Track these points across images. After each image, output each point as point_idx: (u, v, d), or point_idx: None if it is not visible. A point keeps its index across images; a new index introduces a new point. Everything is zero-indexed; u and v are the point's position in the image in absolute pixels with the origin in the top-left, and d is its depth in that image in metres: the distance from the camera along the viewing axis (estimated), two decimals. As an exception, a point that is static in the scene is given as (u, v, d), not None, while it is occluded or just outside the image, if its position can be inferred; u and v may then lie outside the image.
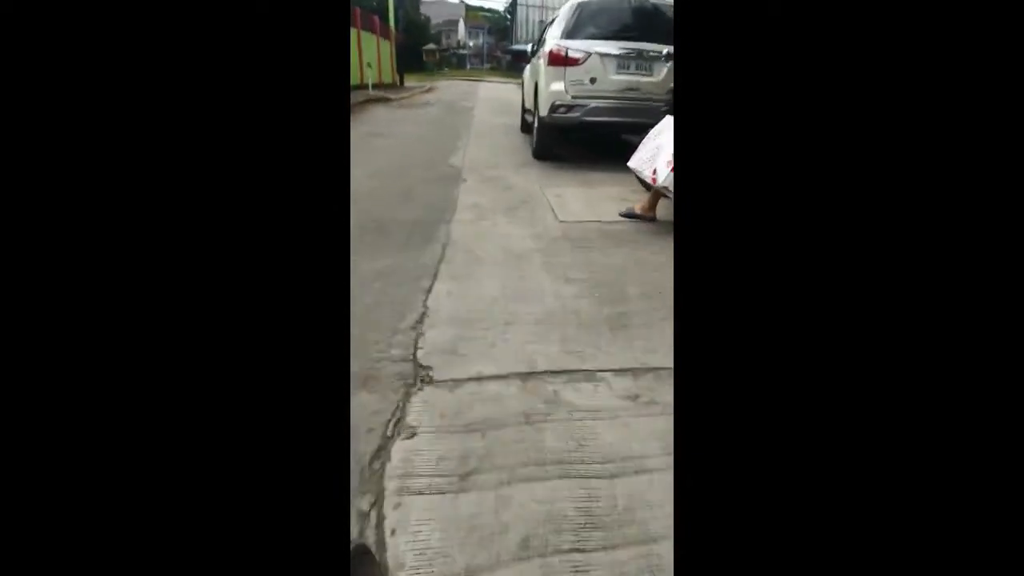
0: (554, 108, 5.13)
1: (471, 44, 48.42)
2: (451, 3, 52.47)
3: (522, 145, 6.77)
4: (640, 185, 3.79)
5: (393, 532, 1.13)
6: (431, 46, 33.11)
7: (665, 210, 3.55)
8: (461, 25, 51.78)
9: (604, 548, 1.11)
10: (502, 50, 50.21)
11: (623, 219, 3.57)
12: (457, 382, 1.68)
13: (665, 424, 1.48)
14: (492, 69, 48.57)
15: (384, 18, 19.09)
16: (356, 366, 1.70)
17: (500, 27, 52.84)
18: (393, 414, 1.51)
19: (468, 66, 41.72)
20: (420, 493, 1.24)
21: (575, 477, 1.30)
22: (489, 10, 57.19)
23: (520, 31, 33.58)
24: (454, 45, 50.81)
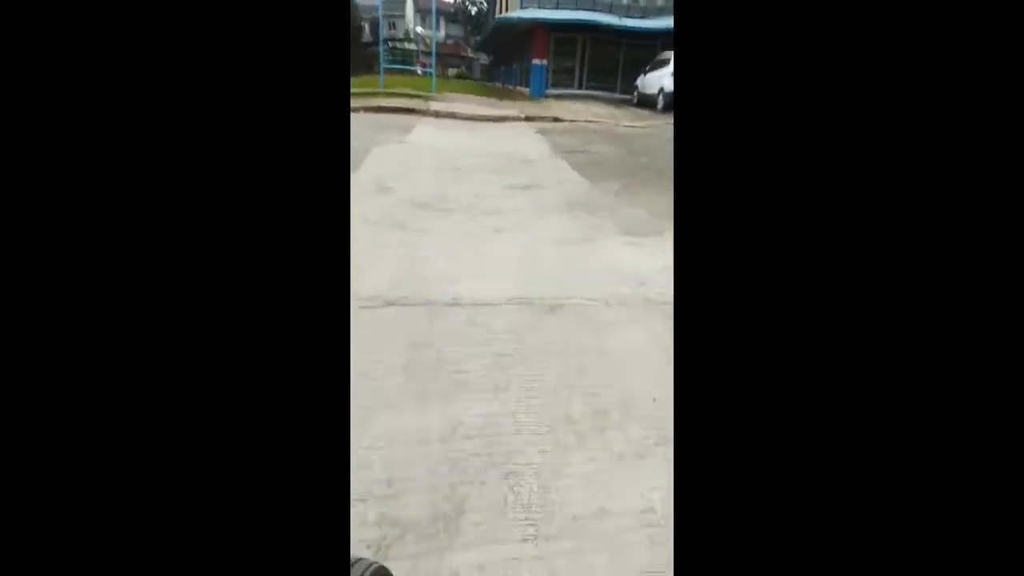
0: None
1: (420, 31, 30.13)
2: (398, -21, 34.23)
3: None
4: None
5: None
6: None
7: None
8: (410, 8, 33.22)
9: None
10: (475, 46, 31.98)
11: None
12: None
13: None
14: (460, 76, 30.34)
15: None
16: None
17: (475, 8, 34.36)
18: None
19: (420, 70, 23.08)
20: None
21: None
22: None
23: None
24: (400, 36, 31.81)
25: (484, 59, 33.64)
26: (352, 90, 10.53)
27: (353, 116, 7.44)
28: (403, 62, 24.93)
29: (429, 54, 28.78)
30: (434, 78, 10.99)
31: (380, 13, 9.81)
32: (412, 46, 28.91)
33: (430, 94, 10.25)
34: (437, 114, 7.99)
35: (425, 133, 6.02)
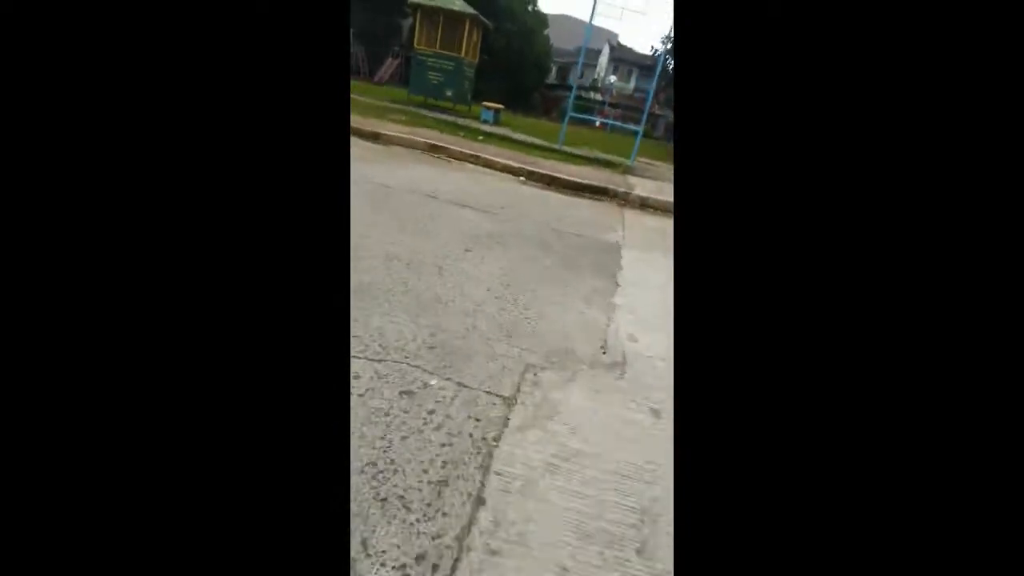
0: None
1: (612, 81, 28.06)
2: (598, 27, 32.94)
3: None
4: None
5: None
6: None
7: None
8: (604, 56, 31.61)
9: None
10: (667, 101, 29.13)
11: None
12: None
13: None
14: (647, 136, 27.61)
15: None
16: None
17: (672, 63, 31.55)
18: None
19: (599, 121, 20.84)
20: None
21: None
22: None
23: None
24: (588, 85, 30.19)
25: (671, 116, 30.59)
26: (525, 139, 8.08)
27: (516, 188, 4.44)
28: (584, 111, 22.93)
29: (614, 106, 26.43)
30: (638, 141, 8.12)
31: (581, 61, 7.34)
32: (596, 95, 26.99)
33: (627, 163, 7.42)
34: (644, 205, 5.07)
35: (646, 286, 3.05)
